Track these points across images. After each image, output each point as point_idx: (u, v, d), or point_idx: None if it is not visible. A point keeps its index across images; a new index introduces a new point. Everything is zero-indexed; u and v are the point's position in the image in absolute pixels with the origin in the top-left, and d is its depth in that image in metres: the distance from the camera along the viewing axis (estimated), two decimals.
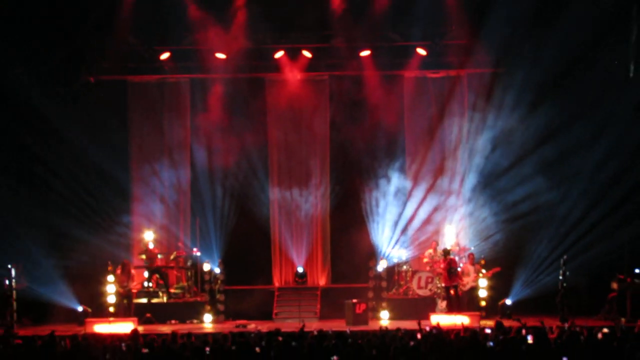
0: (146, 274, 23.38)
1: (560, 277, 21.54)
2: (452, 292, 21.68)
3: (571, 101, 22.71)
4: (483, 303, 22.58)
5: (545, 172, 23.63)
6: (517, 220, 23.90)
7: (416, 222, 24.86)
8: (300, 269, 24.56)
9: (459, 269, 22.02)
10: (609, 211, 22.61)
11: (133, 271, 22.72)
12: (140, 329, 19.23)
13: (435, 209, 24.85)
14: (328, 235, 25.35)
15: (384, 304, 22.87)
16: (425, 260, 23.86)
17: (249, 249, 25.03)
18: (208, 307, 22.84)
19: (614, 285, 22.27)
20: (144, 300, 23.01)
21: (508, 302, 22.69)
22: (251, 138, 24.89)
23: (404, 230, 24.74)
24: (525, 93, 23.25)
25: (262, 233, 25.21)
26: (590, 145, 22.73)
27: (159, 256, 23.72)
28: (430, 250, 23.96)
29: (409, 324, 18.36)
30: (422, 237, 24.83)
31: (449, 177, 24.99)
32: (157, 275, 23.37)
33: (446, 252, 22.17)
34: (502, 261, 23.29)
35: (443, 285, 22.03)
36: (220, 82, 24.72)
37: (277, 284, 25.07)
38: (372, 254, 24.16)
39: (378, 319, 22.23)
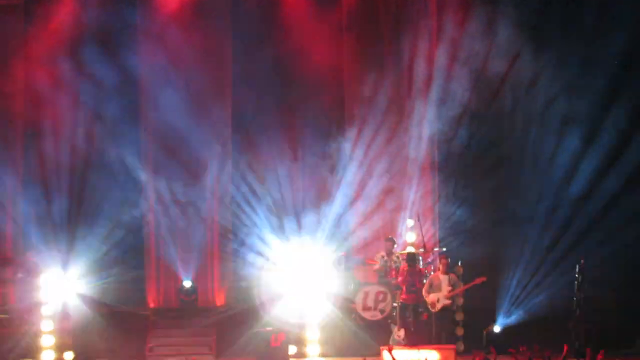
0: None
1: (576, 292, 19.01)
2: (409, 315, 19.25)
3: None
4: (460, 331, 19.65)
5: (541, 131, 21.09)
6: (507, 209, 21.10)
7: (360, 211, 21.60)
8: (187, 283, 20.94)
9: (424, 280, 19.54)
10: None
11: None
12: None
13: (390, 192, 21.52)
14: (230, 233, 21.85)
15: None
16: (375, 267, 20.41)
17: (109, 256, 21.46)
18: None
19: None
20: None
21: (496, 328, 19.98)
22: (118, 98, 21.26)
23: (342, 224, 21.53)
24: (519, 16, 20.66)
25: (131, 234, 21.71)
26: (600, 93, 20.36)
27: None
28: (383, 254, 20.43)
29: None
30: (370, 233, 21.44)
31: (410, 145, 21.61)
32: None
33: (412, 259, 19.43)
34: (488, 268, 19.99)
35: (400, 302, 19.25)
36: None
37: (152, 304, 21.43)
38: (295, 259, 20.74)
39: (303, 355, 19.36)
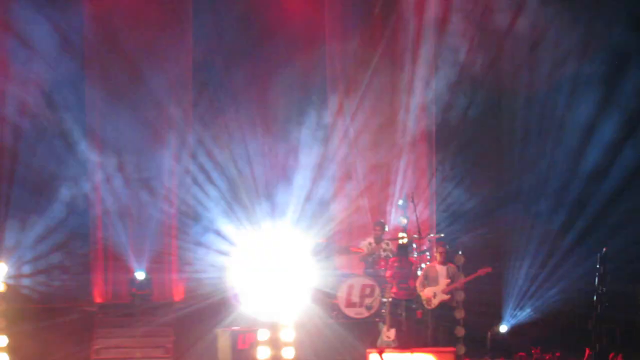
0: None
1: (597, 286, 17.37)
2: (400, 312, 18.68)
3: None
4: (461, 331, 18.32)
5: (550, 96, 20.34)
6: (513, 186, 20.43)
7: (344, 191, 20.87)
8: (140, 275, 20.14)
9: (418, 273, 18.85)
10: None
11: None
12: None
13: (379, 167, 20.85)
14: (190, 216, 21.16)
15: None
16: (361, 256, 19.59)
17: (47, 243, 20.54)
18: None
19: None
20: None
21: (502, 329, 19.25)
22: (58, 60, 20.11)
23: (323, 206, 20.77)
24: None
25: (74, 217, 20.63)
26: None
27: None
28: (370, 240, 19.45)
29: None
30: (355, 215, 20.76)
31: (401, 112, 20.75)
32: None
33: (402, 251, 18.98)
34: (492, 257, 19.34)
35: (390, 297, 18.21)
36: None
37: (98, 299, 20.59)
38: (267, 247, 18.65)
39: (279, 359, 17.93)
